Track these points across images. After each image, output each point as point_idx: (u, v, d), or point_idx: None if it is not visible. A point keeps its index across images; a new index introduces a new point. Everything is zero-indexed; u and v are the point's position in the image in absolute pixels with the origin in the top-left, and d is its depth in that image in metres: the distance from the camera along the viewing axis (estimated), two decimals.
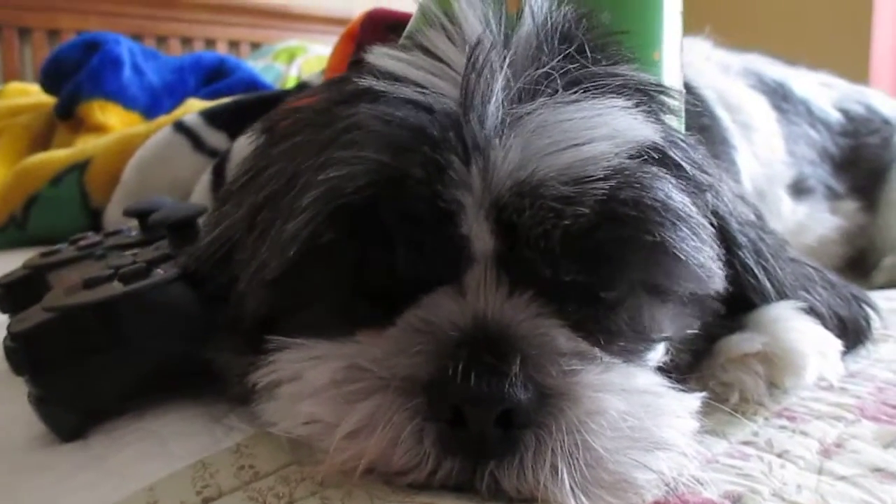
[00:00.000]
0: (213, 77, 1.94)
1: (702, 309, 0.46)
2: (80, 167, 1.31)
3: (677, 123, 0.49)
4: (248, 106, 1.28)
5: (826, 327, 0.54)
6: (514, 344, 0.38)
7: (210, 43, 2.95)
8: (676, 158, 0.42)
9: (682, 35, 0.74)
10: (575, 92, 0.40)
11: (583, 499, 0.37)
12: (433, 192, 0.38)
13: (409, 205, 0.38)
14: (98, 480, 0.42)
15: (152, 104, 1.73)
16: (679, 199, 0.41)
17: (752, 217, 0.57)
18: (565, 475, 0.36)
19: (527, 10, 0.44)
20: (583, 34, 0.45)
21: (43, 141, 1.66)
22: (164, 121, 1.36)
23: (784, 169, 0.88)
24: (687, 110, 0.76)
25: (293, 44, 2.83)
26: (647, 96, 0.44)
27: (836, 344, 0.53)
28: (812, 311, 0.54)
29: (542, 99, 0.40)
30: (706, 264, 0.42)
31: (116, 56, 1.69)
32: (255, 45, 3.02)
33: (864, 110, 1.05)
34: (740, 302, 0.51)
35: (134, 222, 0.73)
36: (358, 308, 0.41)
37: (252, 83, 1.89)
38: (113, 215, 1.28)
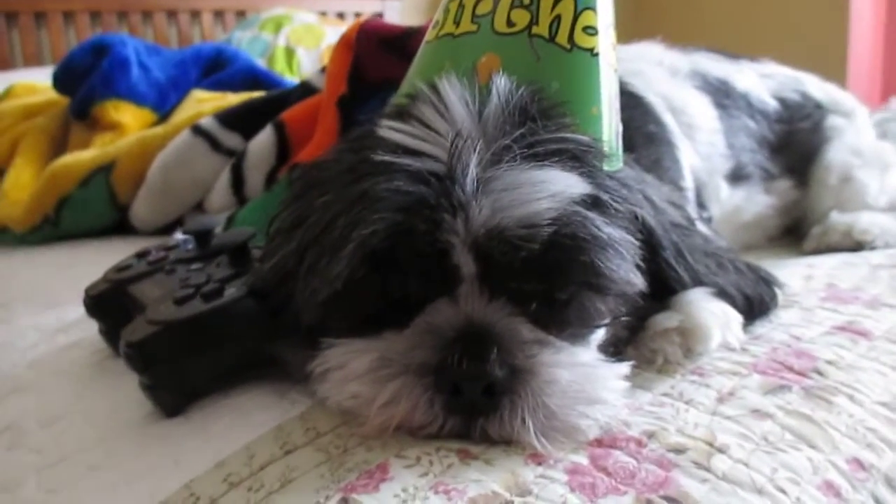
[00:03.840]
0: (212, 67, 2.05)
1: (630, 301, 0.63)
2: (106, 169, 1.45)
3: (611, 164, 0.64)
4: (258, 107, 1.41)
5: (734, 305, 0.71)
6: (492, 337, 0.54)
7: (195, 14, 2.98)
8: (604, 199, 0.58)
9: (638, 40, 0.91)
10: (529, 157, 0.56)
11: (544, 441, 0.53)
12: (433, 239, 0.54)
13: (416, 248, 0.54)
14: (204, 444, 0.59)
15: (160, 99, 1.85)
16: (606, 230, 0.56)
17: (680, 220, 0.73)
18: (531, 425, 0.53)
19: (493, 89, 0.60)
20: (536, 106, 0.60)
21: (60, 139, 1.78)
22: (180, 123, 1.49)
23: (723, 161, 1.04)
24: (635, 120, 0.93)
25: (278, 12, 2.88)
26: (583, 154, 0.59)
27: (738, 317, 0.69)
28: (722, 293, 0.70)
29: (505, 166, 0.55)
30: (626, 276, 0.58)
31: (124, 57, 1.81)
32: (240, 14, 3.06)
33: (799, 97, 1.20)
34: (665, 289, 0.68)
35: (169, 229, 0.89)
36: (383, 317, 0.57)
37: (251, 71, 2.02)
38: (139, 212, 1.43)
